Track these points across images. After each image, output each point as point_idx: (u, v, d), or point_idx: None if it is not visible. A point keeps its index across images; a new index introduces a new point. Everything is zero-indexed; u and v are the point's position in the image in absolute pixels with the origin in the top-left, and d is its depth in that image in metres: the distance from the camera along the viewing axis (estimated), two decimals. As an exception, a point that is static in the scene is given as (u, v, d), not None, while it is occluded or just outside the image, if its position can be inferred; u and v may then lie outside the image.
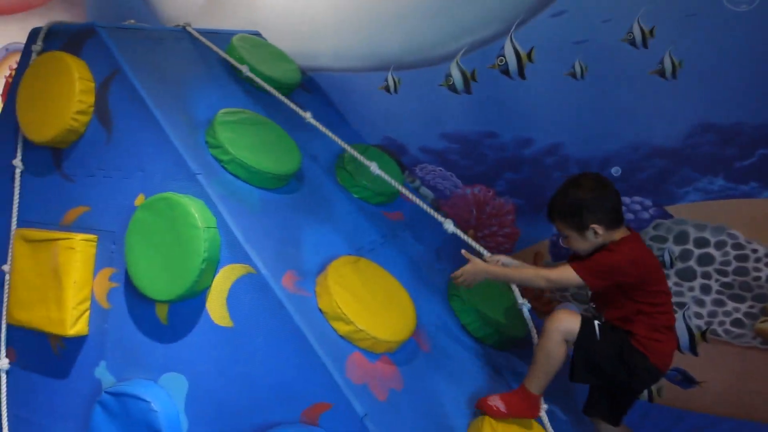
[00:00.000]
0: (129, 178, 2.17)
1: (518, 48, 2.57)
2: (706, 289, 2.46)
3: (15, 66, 4.03)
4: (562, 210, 1.95)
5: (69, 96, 2.21)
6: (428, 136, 2.83)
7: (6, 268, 2.34)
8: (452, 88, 2.73)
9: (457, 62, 2.70)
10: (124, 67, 2.20)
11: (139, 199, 2.13)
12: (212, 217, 1.97)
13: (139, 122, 2.16)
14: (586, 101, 2.50)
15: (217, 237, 1.96)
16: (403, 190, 2.33)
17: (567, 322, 1.91)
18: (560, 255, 2.68)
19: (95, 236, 2.20)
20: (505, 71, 2.61)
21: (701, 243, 2.44)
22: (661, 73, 2.38)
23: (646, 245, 2.01)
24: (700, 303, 2.48)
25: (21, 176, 2.40)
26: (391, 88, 2.86)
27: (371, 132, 2.93)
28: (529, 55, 2.56)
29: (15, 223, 2.37)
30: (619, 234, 1.91)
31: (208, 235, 1.92)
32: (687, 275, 2.48)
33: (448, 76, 2.72)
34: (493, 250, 2.79)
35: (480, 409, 1.97)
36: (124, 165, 2.19)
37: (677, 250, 2.48)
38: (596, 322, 1.92)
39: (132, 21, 2.70)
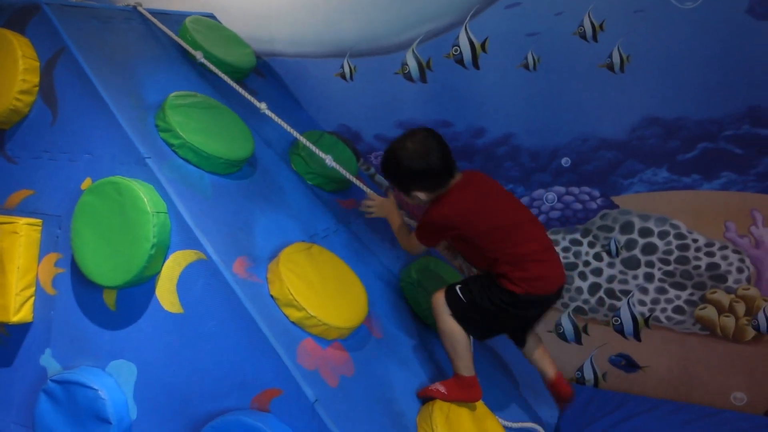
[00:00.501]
0: (76, 161, 2.11)
1: (473, 38, 2.60)
2: (649, 278, 2.56)
3: (-45, 42, 3.85)
4: (388, 174, 2.03)
5: (12, 75, 2.13)
6: (383, 123, 2.84)
7: (-56, 253, 2.26)
8: (408, 76, 2.74)
9: (413, 51, 2.71)
10: (71, 46, 2.14)
11: (86, 183, 2.08)
12: (162, 202, 1.94)
13: (87, 103, 2.10)
14: (537, 93, 2.55)
15: (167, 222, 1.93)
16: (356, 182, 2.34)
17: (439, 300, 2.01)
18: (511, 243, 2.74)
19: (40, 220, 2.14)
20: (460, 61, 2.64)
21: (645, 233, 2.53)
22: (610, 67, 2.44)
23: (484, 186, 2.01)
24: (644, 291, 2.57)
25: (-39, 158, 2.32)
26: (347, 75, 2.86)
27: (326, 119, 2.92)
28: (483, 46, 2.59)
29: (-46, 206, 2.29)
30: (447, 188, 1.95)
31: (157, 220, 1.89)
32: (632, 264, 2.57)
33: (404, 64, 2.73)
34: (446, 239, 2.84)
35: (424, 397, 2.02)
36: (71, 147, 2.13)
37: (623, 239, 2.56)
38: (457, 286, 2.00)
39: (80, -1, 2.61)
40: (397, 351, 2.16)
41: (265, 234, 2.13)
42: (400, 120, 2.80)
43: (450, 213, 1.93)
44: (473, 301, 1.97)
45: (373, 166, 2.92)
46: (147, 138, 2.08)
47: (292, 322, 1.90)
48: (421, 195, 1.96)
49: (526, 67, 2.55)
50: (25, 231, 2.11)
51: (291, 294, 1.89)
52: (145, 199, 1.90)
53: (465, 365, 2.01)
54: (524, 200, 2.67)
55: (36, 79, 2.17)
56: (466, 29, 2.60)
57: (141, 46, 2.44)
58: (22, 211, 2.17)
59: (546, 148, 2.59)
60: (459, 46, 2.62)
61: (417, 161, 1.92)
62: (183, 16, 2.71)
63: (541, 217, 2.65)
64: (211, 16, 2.95)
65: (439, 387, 2.02)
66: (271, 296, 1.92)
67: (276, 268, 1.95)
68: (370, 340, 2.10)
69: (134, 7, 2.57)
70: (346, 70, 2.85)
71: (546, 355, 2.18)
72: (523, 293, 1.91)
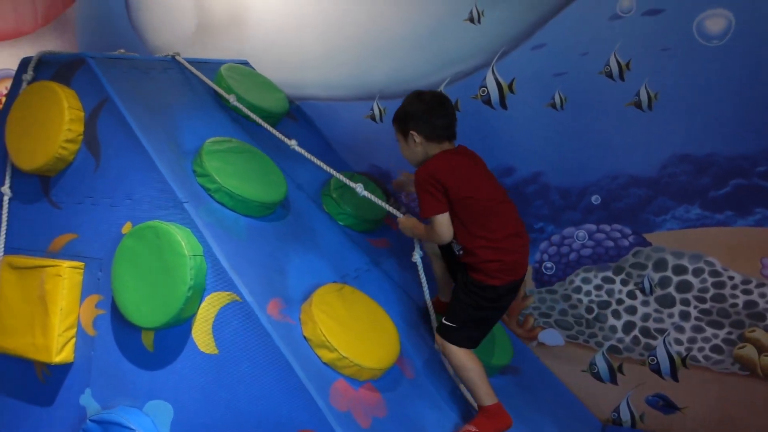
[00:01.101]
0: (117, 205, 2.20)
1: (500, 79, 2.64)
2: (685, 316, 2.51)
3: (5, 92, 4.05)
4: (396, 115, 2.18)
5: (58, 125, 2.24)
6: (413, 163, 2.88)
7: (-8, 294, 2.35)
8: (436, 117, 2.79)
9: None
10: (113, 97, 2.24)
11: (127, 227, 2.15)
12: (198, 245, 2.00)
13: (128, 150, 2.19)
14: (565, 131, 2.57)
15: (203, 265, 1.98)
16: (386, 206, 2.39)
17: (439, 340, 2.13)
18: (543, 281, 2.73)
19: (82, 263, 2.22)
20: (487, 101, 2.68)
21: (679, 270, 2.50)
22: (638, 105, 2.45)
23: (466, 159, 2.14)
24: (680, 329, 2.53)
25: (9, 203, 2.42)
26: (377, 117, 2.92)
27: (357, 160, 2.98)
28: (510, 86, 2.63)
29: (2, 250, 2.38)
30: (439, 149, 2.10)
31: (194, 263, 1.95)
32: (667, 302, 2.53)
33: (432, 106, 2.78)
34: (477, 277, 2.84)
35: None
36: (112, 193, 2.21)
37: (656, 277, 2.53)
38: (443, 319, 2.12)
39: (122, 50, 2.74)
40: (429, 392, 2.16)
41: (298, 275, 2.18)
42: (430, 160, 2.84)
43: (435, 169, 2.04)
44: (462, 320, 2.08)
45: (402, 206, 2.95)
46: (185, 182, 2.15)
47: (325, 363, 1.93)
48: (417, 138, 2.10)
49: (554, 106, 2.57)
50: (68, 274, 2.19)
51: (323, 335, 1.92)
52: (183, 243, 1.96)
53: (486, 393, 2.05)
54: (554, 238, 2.68)
55: (81, 128, 2.28)
56: (493, 70, 2.64)
57: (179, 94, 2.55)
58: (66, 254, 2.25)
59: (575, 186, 2.59)
60: (486, 87, 2.66)
61: (428, 104, 2.12)
62: (219, 64, 2.81)
63: (572, 255, 2.64)
64: (246, 64, 3.06)
65: (470, 428, 2.02)
66: (304, 337, 1.95)
67: (309, 310, 1.98)
68: (403, 381, 2.10)
69: (173, 57, 2.68)
70: (376, 112, 2.91)
71: (450, 285, 2.31)
72: (500, 284, 2.04)
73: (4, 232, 2.40)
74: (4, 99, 4.04)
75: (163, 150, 2.20)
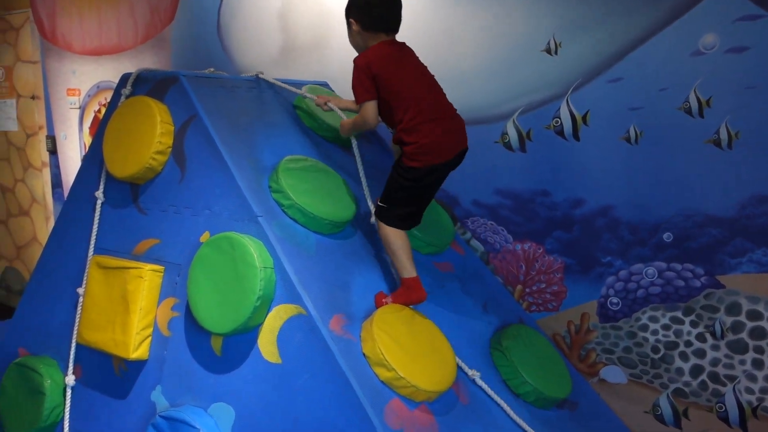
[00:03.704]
0: (197, 215, 2.34)
1: (574, 111, 2.64)
2: (758, 364, 2.41)
3: (104, 102, 4.37)
4: (346, 6, 2.30)
5: (151, 137, 2.41)
6: (481, 190, 2.91)
7: (81, 290, 2.53)
8: (508, 145, 2.81)
9: (513, 121, 2.78)
10: (201, 113, 2.39)
11: (205, 236, 2.28)
12: (269, 257, 2.10)
13: (210, 164, 2.33)
14: (639, 166, 2.53)
15: (272, 277, 2.08)
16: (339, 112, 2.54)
17: (375, 218, 2.32)
18: (608, 317, 2.68)
19: (162, 267, 2.36)
20: (560, 132, 2.68)
21: (754, 316, 2.40)
22: (717, 143, 2.39)
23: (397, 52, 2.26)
24: (752, 378, 2.42)
25: (101, 207, 2.62)
26: (449, 143, 2.96)
27: (427, 183, 3.02)
28: (584, 118, 2.62)
29: (92, 249, 2.57)
30: (376, 40, 2.23)
31: (264, 274, 2.05)
32: (739, 348, 2.44)
33: (504, 134, 2.81)
34: (540, 307, 2.83)
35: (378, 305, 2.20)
36: (194, 203, 2.36)
37: (729, 321, 2.44)
38: (378, 199, 2.31)
39: (211, 69, 2.91)
40: (483, 418, 2.16)
41: (362, 293, 2.24)
42: (498, 187, 2.86)
43: (366, 60, 2.20)
44: (391, 200, 2.26)
45: (469, 231, 2.98)
46: (260, 197, 2.27)
47: (382, 382, 1.97)
48: (354, 26, 2.25)
49: (628, 140, 2.55)
50: (149, 276, 2.33)
51: (382, 354, 1.96)
52: (255, 255, 2.07)
53: (406, 267, 2.23)
54: (622, 273, 2.63)
55: (170, 141, 2.44)
56: (567, 102, 2.65)
57: (261, 113, 2.68)
58: (148, 257, 2.41)
59: (646, 222, 2.54)
60: (560, 118, 2.67)
61: None
62: (300, 84, 2.94)
63: (640, 292, 2.59)
64: (325, 85, 3.18)
65: (387, 299, 2.21)
66: (364, 354, 2.01)
67: (369, 328, 2.03)
68: (457, 405, 2.12)
69: (257, 77, 2.83)
70: (448, 137, 2.96)
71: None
72: (420, 167, 2.17)
73: (95, 233, 2.59)
74: (103, 108, 4.37)
75: (243, 166, 2.33)
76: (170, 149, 2.44)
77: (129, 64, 4.16)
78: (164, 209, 2.44)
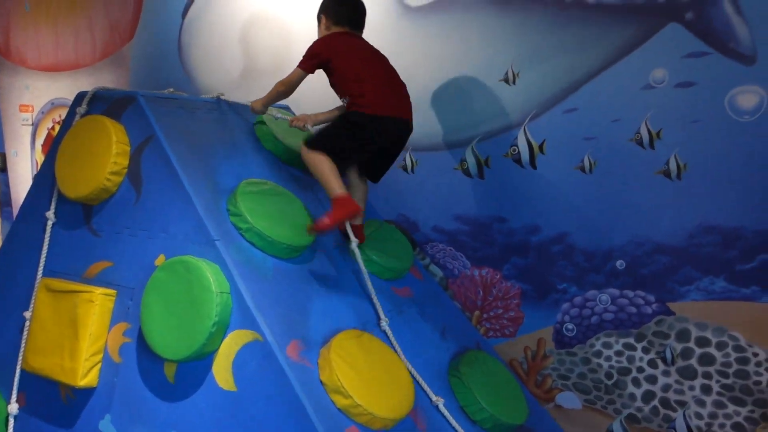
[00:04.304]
0: (152, 238, 2.29)
1: (531, 139, 2.70)
2: (706, 390, 2.47)
3: (58, 119, 4.27)
4: (319, 8, 2.58)
5: (105, 157, 2.36)
6: (441, 216, 2.93)
7: (27, 314, 2.44)
8: (466, 172, 2.85)
9: (472, 148, 2.83)
10: (159, 134, 2.36)
11: (160, 259, 2.24)
12: (226, 282, 2.07)
13: (167, 186, 2.30)
14: (593, 194, 2.59)
15: (229, 302, 2.05)
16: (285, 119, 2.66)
17: (303, 146, 2.44)
18: (563, 342, 2.72)
19: (115, 291, 2.30)
20: (518, 160, 2.73)
21: (702, 342, 2.47)
22: (667, 174, 2.47)
23: (356, 43, 2.52)
24: (701, 403, 2.48)
25: (52, 228, 2.54)
26: (409, 168, 2.99)
27: (386, 208, 3.04)
28: (541, 147, 2.68)
29: (41, 271, 2.49)
30: (342, 29, 2.52)
31: (221, 299, 2.02)
32: (688, 374, 2.50)
33: (463, 160, 2.85)
34: (497, 333, 2.86)
35: (313, 232, 2.34)
36: (149, 225, 2.31)
37: (679, 347, 2.50)
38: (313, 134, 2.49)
39: (171, 90, 2.87)
40: (440, 446, 2.16)
41: (320, 318, 2.22)
42: (458, 213, 2.89)
43: (324, 42, 2.49)
44: (327, 130, 2.46)
45: (428, 256, 2.99)
46: (218, 220, 2.24)
47: (339, 409, 1.95)
48: (324, 21, 2.55)
49: (583, 169, 2.61)
50: (100, 300, 2.27)
51: (339, 381, 1.95)
52: (211, 279, 2.03)
53: (335, 186, 2.35)
54: (577, 300, 2.68)
55: (126, 162, 2.39)
56: (524, 131, 2.71)
57: (221, 135, 2.66)
58: (100, 280, 2.34)
59: (600, 249, 2.60)
60: (517, 146, 2.72)
61: None
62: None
63: (594, 319, 2.63)
64: (287, 108, 3.18)
65: (324, 219, 2.33)
66: (321, 381, 1.98)
67: (327, 355, 2.02)
68: (414, 433, 2.11)
69: (218, 98, 2.81)
70: (408, 163, 2.99)
71: (364, 204, 2.61)
72: (370, 113, 2.35)
73: (45, 254, 2.51)
74: (57, 126, 4.26)
75: (201, 188, 2.30)
76: (126, 170, 2.40)
77: (86, 82, 4.08)
78: (118, 231, 2.38)
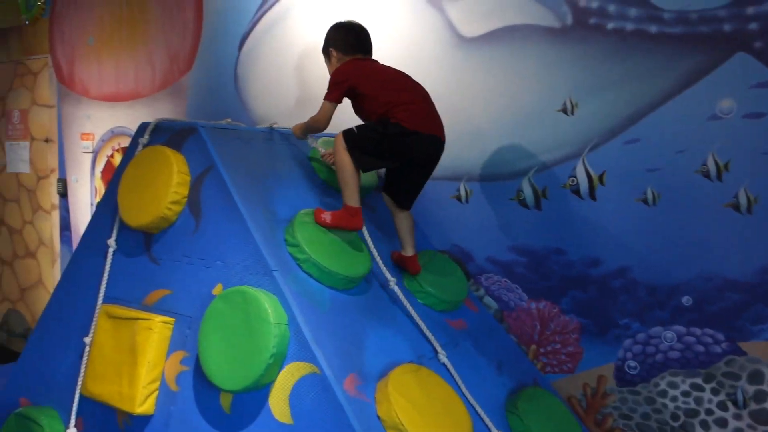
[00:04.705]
0: (210, 267, 2.31)
1: (590, 170, 2.64)
2: (781, 435, 2.33)
3: (118, 147, 4.40)
4: (328, 33, 2.63)
5: (166, 187, 2.40)
6: (496, 247, 2.88)
7: (87, 340, 2.49)
8: (523, 203, 2.80)
9: (529, 179, 2.78)
10: (218, 164, 2.39)
11: (218, 289, 2.25)
12: (284, 313, 2.06)
13: (226, 216, 2.32)
14: (657, 228, 2.51)
15: (286, 334, 2.04)
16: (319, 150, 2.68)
17: (338, 136, 2.42)
18: (625, 380, 2.62)
19: (173, 319, 2.33)
20: (576, 191, 2.67)
21: (777, 385, 2.34)
22: (736, 207, 2.38)
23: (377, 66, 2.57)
24: (776, 449, 2.34)
25: (113, 255, 2.59)
26: (463, 198, 2.96)
27: (440, 238, 3.01)
28: (600, 178, 2.62)
29: (101, 298, 2.54)
30: (356, 56, 2.55)
31: (278, 331, 2.01)
32: (762, 418, 2.36)
33: (520, 191, 2.80)
34: (555, 368, 2.77)
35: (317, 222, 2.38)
36: (208, 254, 2.33)
37: (751, 390, 2.38)
38: (354, 127, 2.43)
39: (228, 119, 2.93)
40: (499, 487, 2.09)
41: (377, 351, 2.19)
42: (514, 244, 2.84)
43: (345, 69, 2.48)
44: (365, 132, 2.40)
45: (483, 288, 2.94)
46: (276, 251, 2.24)
47: (397, 446, 1.90)
48: (335, 53, 2.57)
49: (645, 201, 2.53)
50: (159, 328, 2.29)
51: (397, 417, 1.91)
52: (269, 310, 2.03)
53: (352, 196, 2.38)
54: (640, 336, 2.58)
55: (186, 191, 2.43)
56: (584, 161, 2.65)
57: (276, 165, 2.68)
58: (159, 308, 2.37)
59: (665, 284, 2.51)
60: (576, 177, 2.66)
61: (349, 26, 2.60)
62: (316, 136, 2.95)
63: (659, 356, 2.53)
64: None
65: (326, 216, 2.38)
66: (378, 417, 1.95)
67: (385, 389, 1.98)
68: (473, 472, 2.04)
69: (271, 128, 2.85)
70: (462, 193, 2.96)
71: (411, 234, 2.57)
72: (411, 128, 2.34)
73: (106, 281, 2.56)
74: (116, 154, 4.39)
75: (258, 218, 2.32)
76: (185, 199, 2.44)
77: (144, 111, 4.20)
78: (177, 259, 2.41)
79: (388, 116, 2.38)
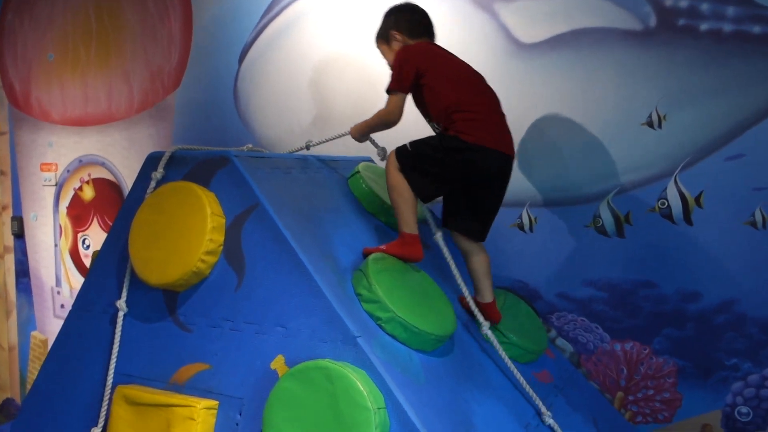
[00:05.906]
0: (264, 333, 1.83)
1: (684, 191, 2.31)
2: None
3: (87, 179, 3.80)
4: (377, 33, 2.27)
5: (200, 234, 1.91)
6: (569, 281, 2.52)
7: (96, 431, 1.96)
8: (601, 230, 2.45)
9: (608, 202, 2.44)
10: (264, 203, 1.92)
11: (278, 362, 1.78)
12: (380, 394, 1.62)
13: (280, 267, 1.85)
14: (768, 254, 2.21)
15: (387, 421, 1.59)
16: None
17: (391, 156, 2.11)
18: (737, 429, 2.29)
19: (216, 402, 1.83)
20: (668, 215, 2.34)
21: None
22: None
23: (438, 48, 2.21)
24: None
25: (123, 320, 2.07)
26: (526, 227, 2.59)
27: (499, 273, 2.61)
28: (697, 200, 2.30)
29: (112, 376, 2.01)
30: (420, 40, 2.20)
31: (379, 419, 1.56)
32: None
33: (597, 217, 2.46)
34: (648, 418, 2.42)
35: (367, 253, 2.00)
36: (259, 317, 1.85)
37: None
38: (407, 143, 2.10)
39: (249, 146, 2.47)
40: None
41: (484, 426, 1.78)
42: (591, 278, 2.48)
43: (411, 50, 2.14)
44: (420, 149, 2.07)
45: (554, 328, 2.57)
46: (351, 310, 1.80)
47: None
48: (398, 36, 2.20)
49: (754, 225, 2.23)
50: (203, 417, 1.80)
51: None
52: (365, 392, 1.58)
53: (408, 223, 2.07)
54: (752, 378, 2.27)
55: (221, 238, 1.95)
56: (676, 181, 2.32)
57: (321, 198, 2.24)
58: (194, 388, 1.88)
59: (781, 318, 2.21)
60: (667, 199, 2.34)
61: (415, 7, 2.27)
62: (349, 161, 2.54)
63: (781, 402, 2.22)
64: (370, 160, 2.77)
65: (381, 247, 2.04)
66: None
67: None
68: None
69: (307, 147, 2.42)
70: (525, 220, 2.59)
71: (489, 275, 2.20)
72: (473, 141, 2.00)
73: (116, 354, 2.04)
74: (86, 186, 3.79)
75: (322, 267, 1.86)
76: (221, 248, 1.95)
77: (119, 137, 3.64)
78: (215, 324, 1.92)
79: (447, 123, 2.05)
